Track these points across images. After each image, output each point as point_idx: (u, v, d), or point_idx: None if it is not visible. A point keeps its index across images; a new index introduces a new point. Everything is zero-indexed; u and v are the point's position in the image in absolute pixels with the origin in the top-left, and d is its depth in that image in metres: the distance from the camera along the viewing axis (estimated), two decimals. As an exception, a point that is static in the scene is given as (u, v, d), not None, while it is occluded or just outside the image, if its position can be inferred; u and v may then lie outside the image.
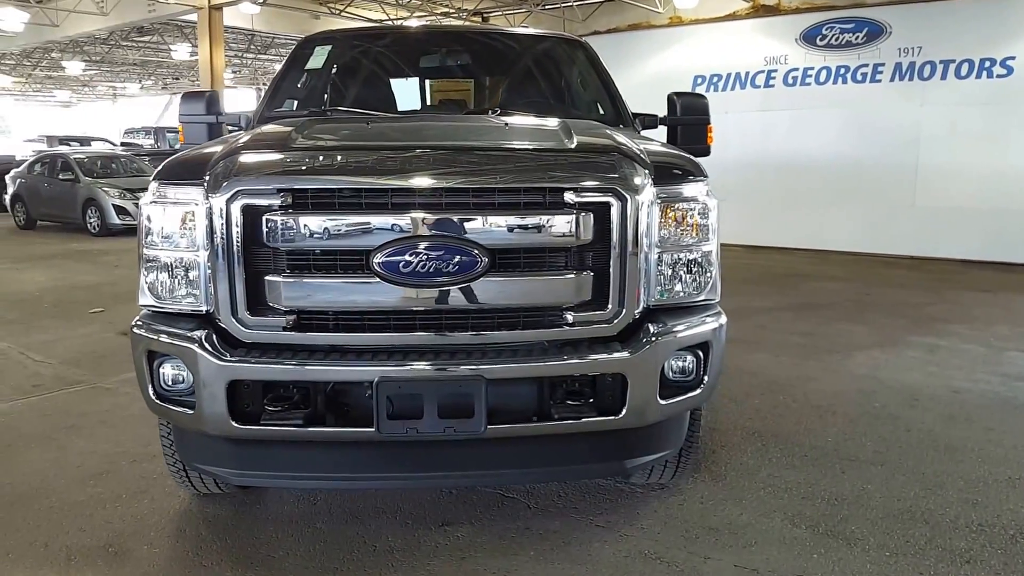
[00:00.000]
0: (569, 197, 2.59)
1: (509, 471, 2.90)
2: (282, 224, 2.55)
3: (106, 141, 25.06)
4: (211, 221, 2.60)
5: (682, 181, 2.82)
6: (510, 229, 2.57)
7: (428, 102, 4.39)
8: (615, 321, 2.69)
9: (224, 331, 2.66)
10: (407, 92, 4.26)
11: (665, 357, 2.72)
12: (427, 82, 4.47)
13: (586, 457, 2.86)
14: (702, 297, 2.88)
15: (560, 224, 2.58)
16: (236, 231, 2.59)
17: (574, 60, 4.49)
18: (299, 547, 3.07)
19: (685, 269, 2.81)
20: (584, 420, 2.67)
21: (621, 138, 3.00)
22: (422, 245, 2.53)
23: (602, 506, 3.40)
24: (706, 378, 2.86)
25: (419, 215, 2.54)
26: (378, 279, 2.56)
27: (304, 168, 2.68)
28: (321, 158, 2.80)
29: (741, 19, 12.56)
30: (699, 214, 2.82)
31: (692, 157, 3.01)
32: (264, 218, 2.57)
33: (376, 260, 2.54)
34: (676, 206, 2.77)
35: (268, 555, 3.02)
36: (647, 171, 2.74)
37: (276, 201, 2.56)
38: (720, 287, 2.97)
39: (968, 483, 3.65)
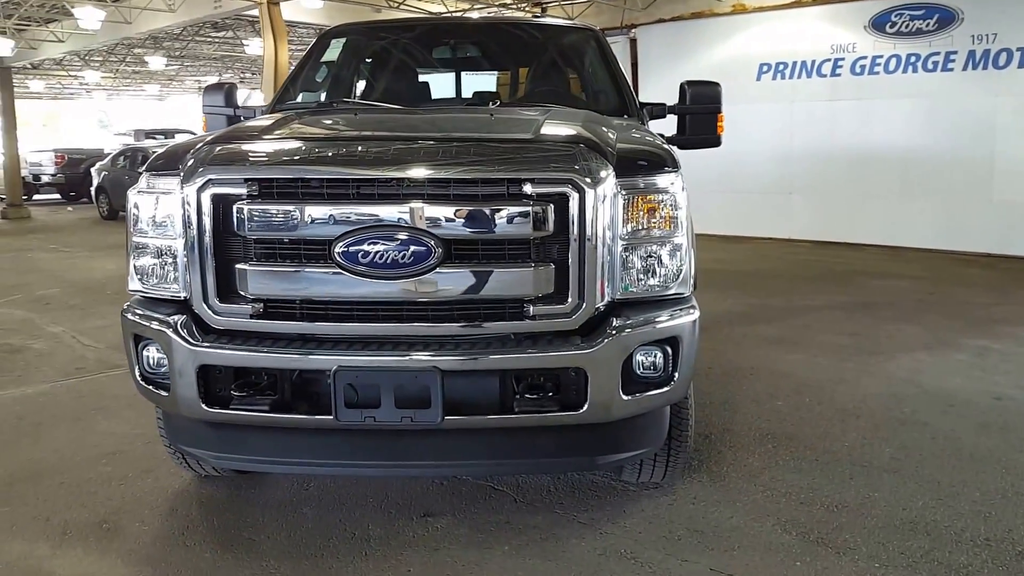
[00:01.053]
0: (524, 189, 2.56)
1: (472, 462, 2.89)
2: (248, 213, 2.60)
3: (190, 133, 26.12)
4: (185, 210, 2.68)
5: (649, 173, 2.74)
6: (464, 220, 2.55)
7: (434, 94, 4.39)
8: (575, 315, 2.63)
9: (199, 317, 2.74)
10: (415, 84, 4.27)
11: (627, 352, 2.65)
12: (435, 75, 4.47)
13: (552, 452, 2.82)
14: (672, 291, 2.79)
15: (515, 216, 2.55)
16: (206, 220, 2.66)
17: (585, 50, 4.41)
18: (281, 531, 3.14)
19: (653, 262, 2.73)
20: (544, 414, 2.64)
21: (592, 128, 2.93)
22: (379, 235, 2.54)
23: (589, 503, 3.35)
24: (677, 374, 2.77)
25: (377, 206, 2.56)
26: (338, 269, 2.59)
27: (269, 158, 2.72)
28: (288, 148, 2.83)
29: (806, 6, 12.09)
30: (668, 206, 2.73)
31: (667, 148, 2.92)
32: (232, 207, 2.63)
33: (336, 250, 2.57)
34: (642, 198, 2.69)
35: (250, 538, 3.10)
36: (610, 162, 2.66)
37: (243, 191, 2.62)
38: (693, 280, 2.88)
39: (985, 495, 3.43)
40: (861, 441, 4.07)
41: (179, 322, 2.72)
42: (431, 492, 3.44)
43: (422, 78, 4.37)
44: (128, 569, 2.89)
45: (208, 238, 2.66)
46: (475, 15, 13.06)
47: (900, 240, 11.43)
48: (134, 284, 2.91)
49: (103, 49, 19.15)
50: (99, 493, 3.49)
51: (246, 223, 2.61)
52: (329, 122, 3.38)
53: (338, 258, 2.57)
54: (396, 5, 12.64)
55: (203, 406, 2.71)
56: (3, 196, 20.33)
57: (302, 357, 2.62)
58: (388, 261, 2.55)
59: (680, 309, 2.80)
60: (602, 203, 2.61)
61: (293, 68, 4.43)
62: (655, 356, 2.76)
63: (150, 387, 2.87)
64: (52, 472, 3.71)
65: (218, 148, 2.78)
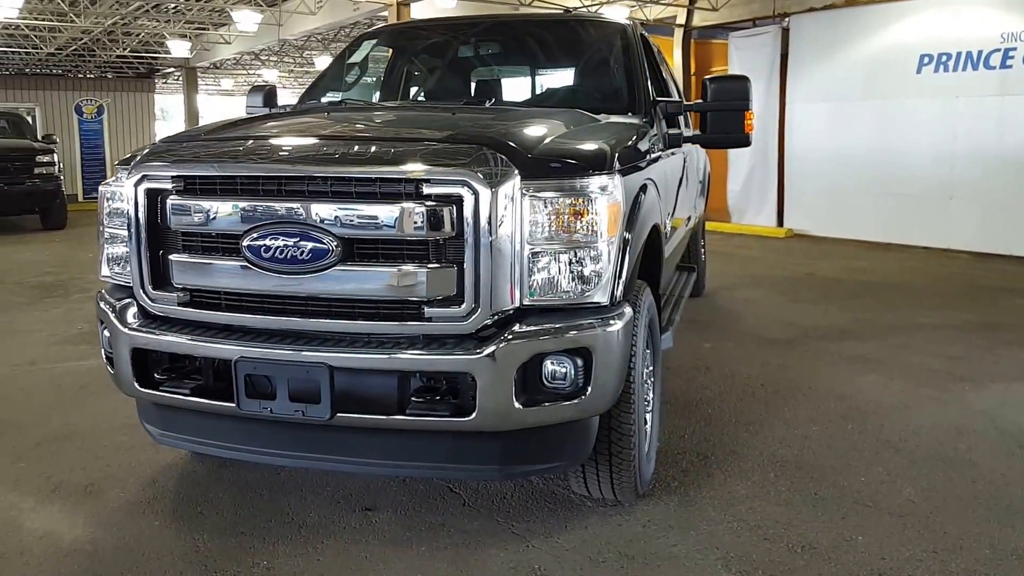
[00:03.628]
0: (420, 189, 2.52)
1: (369, 461, 2.86)
2: (172, 207, 2.76)
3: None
4: (127, 203, 2.88)
5: (566, 175, 2.60)
6: (362, 219, 2.55)
7: (447, 94, 4.38)
8: (470, 319, 2.56)
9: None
10: (426, 84, 4.29)
11: (522, 359, 2.53)
12: (448, 74, 4.47)
13: (452, 457, 2.76)
14: (592, 299, 2.64)
15: (410, 216, 2.51)
16: (142, 212, 2.84)
17: (602, 46, 4.23)
18: (229, 510, 3.29)
19: (566, 268, 2.59)
20: (434, 419, 2.58)
21: (519, 128, 2.82)
22: (281, 231, 2.60)
23: (535, 514, 3.23)
24: (590, 387, 2.61)
25: (281, 202, 2.62)
26: (246, 262, 2.67)
27: (194, 156, 2.86)
28: (215, 147, 2.95)
29: (973, -10, 10.88)
30: (587, 211, 2.58)
31: (604, 150, 2.74)
32: (163, 201, 2.80)
33: (243, 244, 2.66)
34: (558, 202, 2.56)
35: (199, 513, 3.27)
36: (515, 164, 2.55)
37: (169, 185, 2.77)
38: (620, 288, 2.70)
39: (996, 553, 2.95)
40: (882, 478, 3.63)
41: (120, 307, 2.94)
42: (386, 487, 3.47)
43: (432, 78, 4.39)
44: (84, 530, 3.14)
45: (143, 229, 2.85)
46: (610, 10, 12.82)
47: (1076, 255, 10.06)
48: (103, 270, 3.17)
49: (274, 49, 20.75)
50: (103, 459, 3.82)
51: (171, 216, 2.77)
52: (280, 122, 3.47)
53: (245, 252, 2.66)
54: (528, 3, 12.72)
55: (136, 385, 2.91)
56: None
57: (209, 345, 2.74)
58: (288, 257, 2.61)
59: (597, 318, 2.64)
60: (507, 204, 2.52)
61: (325, 68, 4.60)
62: (564, 366, 2.62)
63: (108, 365, 3.12)
64: (78, 436, 4.11)
65: (160, 146, 2.97)
